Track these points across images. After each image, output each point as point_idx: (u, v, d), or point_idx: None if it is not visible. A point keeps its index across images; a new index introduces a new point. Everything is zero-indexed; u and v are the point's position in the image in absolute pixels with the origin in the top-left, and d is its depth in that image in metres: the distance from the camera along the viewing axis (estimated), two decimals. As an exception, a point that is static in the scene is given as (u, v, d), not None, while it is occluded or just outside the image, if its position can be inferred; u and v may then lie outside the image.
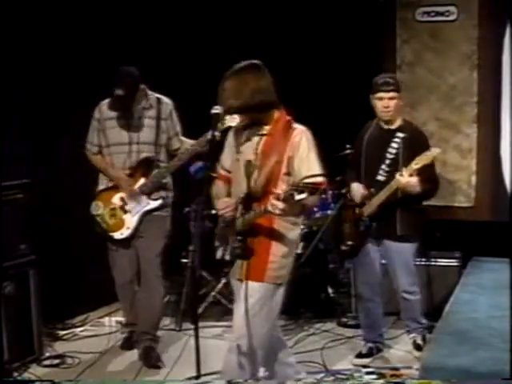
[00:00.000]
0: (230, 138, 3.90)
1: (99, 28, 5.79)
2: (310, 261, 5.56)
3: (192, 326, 4.59)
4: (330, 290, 5.95)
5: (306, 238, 5.53)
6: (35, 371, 4.74)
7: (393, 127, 4.77)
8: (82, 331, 5.55)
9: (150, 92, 4.85)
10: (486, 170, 6.27)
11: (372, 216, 4.74)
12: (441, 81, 6.31)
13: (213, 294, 5.83)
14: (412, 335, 4.97)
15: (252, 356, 3.71)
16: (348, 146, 5.57)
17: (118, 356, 5.06)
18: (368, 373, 4.61)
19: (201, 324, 4.65)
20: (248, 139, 3.77)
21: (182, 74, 6.31)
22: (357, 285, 5.13)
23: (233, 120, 3.99)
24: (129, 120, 4.81)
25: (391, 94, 4.68)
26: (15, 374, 4.62)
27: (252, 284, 3.69)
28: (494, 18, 6.12)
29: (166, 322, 5.50)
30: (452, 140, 6.30)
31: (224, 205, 3.78)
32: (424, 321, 4.92)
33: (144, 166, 4.82)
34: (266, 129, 3.73)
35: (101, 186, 4.94)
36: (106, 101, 4.86)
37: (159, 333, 5.07)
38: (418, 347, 4.91)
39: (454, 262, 5.65)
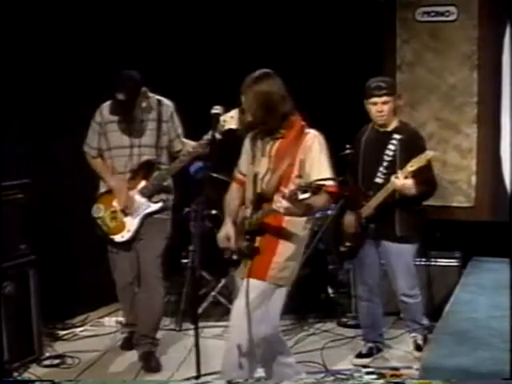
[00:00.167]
0: (247, 143, 3.97)
1: (99, 28, 5.79)
2: (310, 261, 5.56)
3: (192, 326, 4.61)
4: (330, 291, 5.96)
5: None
6: (35, 371, 4.74)
7: (389, 129, 4.77)
8: (82, 331, 5.55)
9: (150, 94, 4.82)
10: (486, 170, 6.26)
11: (370, 217, 4.75)
12: (441, 81, 6.31)
13: (213, 294, 5.83)
14: (413, 335, 4.97)
15: (248, 353, 3.72)
16: (348, 146, 5.57)
17: (118, 356, 5.06)
18: (368, 373, 4.61)
19: (201, 324, 4.68)
20: (263, 143, 3.85)
21: (182, 76, 6.31)
22: (356, 285, 5.14)
23: (234, 122, 4.00)
24: (130, 123, 4.78)
25: (384, 99, 4.67)
26: (15, 374, 4.62)
27: (253, 281, 3.72)
28: (494, 18, 6.12)
29: (166, 322, 5.50)
30: (452, 140, 6.30)
31: (223, 236, 3.89)
32: (425, 321, 4.91)
33: (145, 169, 4.79)
34: (281, 133, 3.79)
35: (102, 189, 4.92)
36: (107, 103, 4.82)
37: (159, 334, 5.05)
38: (418, 347, 4.90)
39: (453, 262, 5.65)
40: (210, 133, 3.94)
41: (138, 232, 4.82)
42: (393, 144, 4.71)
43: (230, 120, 4.03)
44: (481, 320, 4.13)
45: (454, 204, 6.29)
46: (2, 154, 4.86)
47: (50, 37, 5.48)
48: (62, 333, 5.45)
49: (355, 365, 4.83)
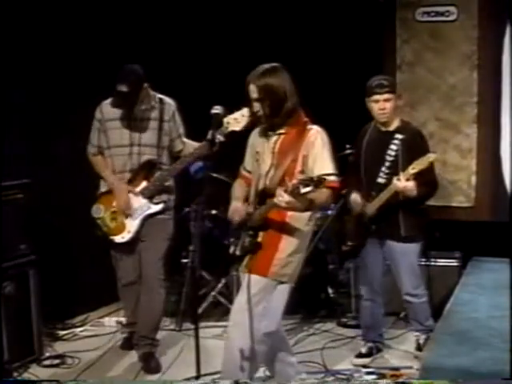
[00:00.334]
0: (251, 140, 3.98)
1: (100, 28, 5.79)
2: (310, 261, 5.56)
3: (192, 326, 4.61)
4: (330, 290, 5.95)
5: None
6: (35, 371, 4.74)
7: (391, 129, 4.77)
8: (82, 331, 5.54)
9: (152, 92, 4.77)
10: (486, 170, 6.26)
11: (373, 217, 4.75)
12: (441, 81, 6.31)
13: (213, 294, 5.82)
14: (416, 334, 4.97)
15: (249, 350, 3.73)
16: (348, 146, 5.57)
17: (118, 356, 5.06)
18: (368, 373, 4.61)
19: (201, 324, 4.67)
20: (266, 139, 3.86)
21: (184, 74, 6.31)
22: (358, 285, 5.14)
23: (237, 124, 4.00)
24: (130, 121, 4.74)
25: (386, 96, 4.68)
26: (15, 374, 4.62)
27: (255, 277, 3.74)
28: (494, 18, 6.11)
29: (166, 322, 5.50)
30: (452, 140, 6.30)
31: (233, 210, 3.90)
32: (429, 323, 4.86)
33: (146, 169, 4.75)
34: (284, 128, 3.80)
35: (102, 189, 4.88)
36: (108, 101, 4.79)
37: (159, 334, 5.05)
38: (418, 347, 4.90)
39: (453, 262, 5.66)
40: (210, 132, 3.92)
41: (138, 233, 4.78)
42: (395, 144, 4.71)
43: (234, 122, 4.03)
44: (481, 320, 4.13)
45: (454, 204, 6.29)
46: (2, 153, 4.86)
47: (50, 37, 5.48)
48: (61, 333, 5.44)
49: (355, 365, 4.83)
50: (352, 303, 5.68)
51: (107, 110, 4.79)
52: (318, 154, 3.71)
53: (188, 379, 4.12)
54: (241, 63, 3.87)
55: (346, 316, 5.68)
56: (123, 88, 4.54)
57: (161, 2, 6.25)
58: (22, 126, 5.35)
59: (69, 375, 4.67)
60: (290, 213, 3.72)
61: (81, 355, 4.99)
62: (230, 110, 4.04)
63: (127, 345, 5.15)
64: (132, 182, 4.77)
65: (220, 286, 5.84)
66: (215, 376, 4.10)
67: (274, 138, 3.82)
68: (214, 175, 5.58)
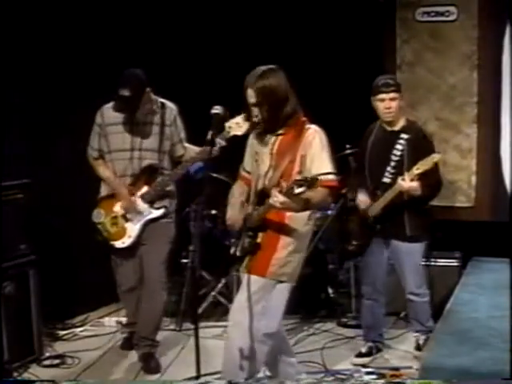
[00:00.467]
0: (250, 140, 3.97)
1: (100, 29, 5.79)
2: (310, 261, 5.55)
3: (192, 326, 4.61)
4: (330, 290, 5.95)
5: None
6: (35, 371, 4.74)
7: (396, 128, 4.77)
8: (82, 331, 5.54)
9: (154, 97, 4.72)
10: (486, 170, 6.26)
11: (377, 217, 4.76)
12: (441, 81, 6.31)
13: (213, 294, 5.82)
14: (416, 334, 4.97)
15: (248, 350, 3.73)
16: (348, 146, 5.57)
17: (118, 356, 5.06)
18: (368, 373, 4.61)
19: (201, 324, 4.67)
20: (265, 140, 3.84)
21: (184, 77, 6.30)
22: (360, 284, 5.13)
23: (239, 129, 3.99)
24: (132, 125, 4.69)
25: (392, 95, 4.68)
26: (15, 374, 4.62)
27: (254, 277, 3.75)
28: (494, 18, 6.12)
29: (166, 322, 5.50)
30: (452, 140, 6.30)
31: (230, 219, 3.91)
32: (430, 324, 4.86)
33: (147, 174, 4.71)
34: (282, 129, 3.79)
35: (103, 193, 4.85)
36: (109, 105, 4.74)
37: (159, 334, 5.03)
38: (418, 347, 4.91)
39: (453, 262, 5.65)
40: (210, 133, 3.92)
41: (139, 238, 4.75)
42: (400, 144, 4.71)
43: (235, 126, 4.02)
44: (481, 320, 4.13)
45: (455, 204, 6.29)
46: (2, 153, 4.86)
47: (51, 37, 5.48)
48: (62, 333, 5.44)
49: (355, 364, 4.83)
50: (352, 303, 5.68)
51: (108, 114, 4.74)
52: (315, 153, 3.69)
53: (188, 379, 4.12)
54: (241, 65, 3.85)
55: (346, 316, 5.68)
56: (125, 92, 4.50)
57: (161, 5, 6.25)
58: (21, 126, 5.35)
59: (69, 375, 4.67)
60: (288, 213, 3.72)
61: (81, 355, 4.99)
62: (229, 110, 4.03)
63: (127, 345, 5.15)
64: (133, 186, 4.73)
65: (220, 286, 5.84)
66: (215, 376, 4.10)
67: (273, 138, 3.81)
68: (214, 175, 5.58)
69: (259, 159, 3.85)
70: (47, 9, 5.43)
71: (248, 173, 3.98)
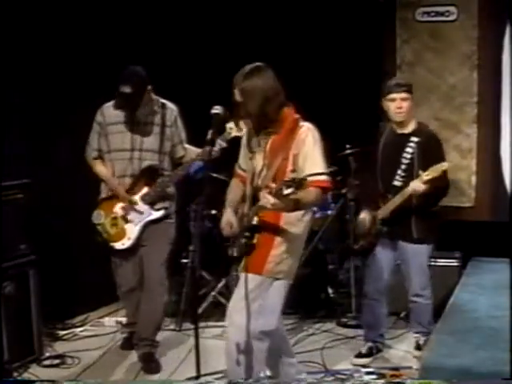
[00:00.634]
0: (244, 139, 3.97)
1: (100, 29, 5.79)
2: (310, 261, 5.57)
3: (192, 326, 4.61)
4: (330, 290, 5.95)
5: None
6: (35, 371, 4.74)
7: (407, 131, 4.76)
8: (82, 331, 5.54)
9: (155, 97, 4.71)
10: (486, 170, 6.27)
11: (386, 220, 4.76)
12: (441, 81, 6.31)
13: (213, 294, 5.82)
14: (416, 334, 4.97)
15: (246, 347, 3.73)
16: (348, 145, 5.57)
17: (118, 356, 5.06)
18: (368, 373, 4.61)
19: (201, 324, 4.68)
20: (258, 138, 3.83)
21: (184, 77, 6.29)
22: (363, 283, 5.12)
23: (239, 130, 3.99)
24: (133, 124, 4.67)
25: (403, 95, 4.67)
26: (15, 374, 4.62)
27: (250, 275, 3.74)
28: (494, 18, 6.12)
29: (166, 322, 5.50)
30: (452, 140, 6.30)
31: (225, 222, 3.89)
32: (431, 326, 4.86)
33: (147, 175, 4.69)
34: (275, 127, 3.76)
35: (103, 194, 4.83)
36: (109, 103, 4.72)
37: (159, 334, 5.02)
38: (418, 347, 4.90)
39: (453, 262, 5.65)
40: (210, 132, 3.91)
41: (139, 239, 4.75)
42: (411, 147, 4.70)
43: (237, 129, 4.02)
44: (481, 320, 4.13)
45: (454, 204, 6.28)
46: (2, 153, 4.85)
47: (51, 37, 5.48)
48: (62, 333, 5.44)
49: (355, 364, 4.83)
50: (352, 303, 5.68)
51: (109, 113, 4.72)
52: (308, 152, 3.67)
53: (188, 379, 4.12)
54: (241, 66, 3.85)
55: (346, 316, 5.68)
56: (126, 89, 4.47)
57: (161, 4, 6.25)
58: (21, 126, 5.35)
59: (69, 375, 4.67)
60: (283, 213, 3.71)
61: (81, 355, 4.99)
62: (230, 110, 4.03)
63: (127, 345, 5.15)
64: (133, 187, 4.72)
65: (220, 285, 5.84)
66: (215, 376, 4.10)
67: (265, 137, 3.79)
68: (214, 175, 5.58)
69: (253, 157, 3.84)
70: (47, 9, 5.43)
71: (243, 171, 3.97)
